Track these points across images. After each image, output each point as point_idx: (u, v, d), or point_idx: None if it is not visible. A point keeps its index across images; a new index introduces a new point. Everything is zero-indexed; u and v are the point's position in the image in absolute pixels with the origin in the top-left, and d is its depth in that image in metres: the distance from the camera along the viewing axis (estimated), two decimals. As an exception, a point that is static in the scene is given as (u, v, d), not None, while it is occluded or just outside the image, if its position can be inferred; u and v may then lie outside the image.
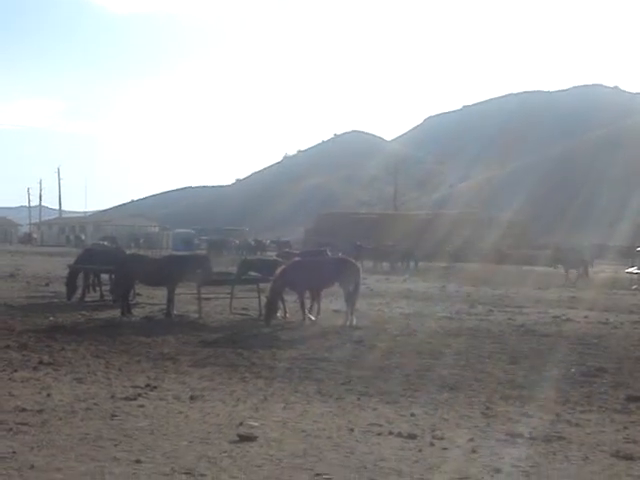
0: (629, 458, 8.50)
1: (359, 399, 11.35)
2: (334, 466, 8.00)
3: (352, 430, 9.52)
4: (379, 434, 9.37)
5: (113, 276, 24.67)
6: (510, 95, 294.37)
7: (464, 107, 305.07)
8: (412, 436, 9.23)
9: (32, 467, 7.81)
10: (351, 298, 19.98)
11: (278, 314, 20.41)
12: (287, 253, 32.38)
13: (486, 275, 44.38)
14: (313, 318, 20.27)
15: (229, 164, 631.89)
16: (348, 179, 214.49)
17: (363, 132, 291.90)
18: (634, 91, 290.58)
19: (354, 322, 19.52)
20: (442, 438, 9.22)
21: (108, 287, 25.76)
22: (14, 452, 8.29)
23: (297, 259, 23.02)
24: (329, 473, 7.73)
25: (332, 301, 23.64)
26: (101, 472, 7.69)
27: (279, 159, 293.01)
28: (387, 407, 10.90)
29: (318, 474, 7.70)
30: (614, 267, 55.35)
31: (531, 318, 22.65)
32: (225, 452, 8.44)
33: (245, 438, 8.94)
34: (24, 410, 10.22)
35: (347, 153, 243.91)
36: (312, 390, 11.91)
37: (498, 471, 7.94)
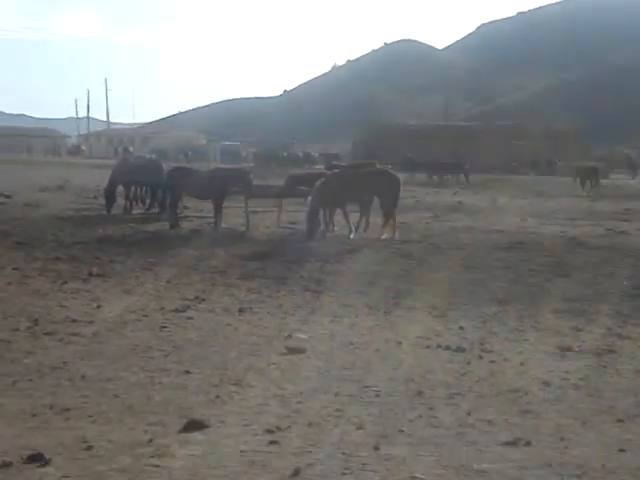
0: (681, 372, 8.39)
1: (407, 312, 11.32)
2: (382, 378, 7.99)
3: (400, 343, 9.50)
4: (427, 347, 9.35)
5: (153, 188, 24.68)
6: (565, 1, 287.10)
7: (519, 13, 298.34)
8: (460, 349, 9.19)
9: (83, 377, 7.90)
10: (390, 210, 19.65)
11: (325, 228, 20.26)
12: (335, 166, 32.10)
13: (539, 187, 43.82)
14: (360, 232, 20.13)
15: (277, 75, 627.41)
16: (398, 89, 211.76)
17: (414, 41, 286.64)
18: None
19: (396, 235, 19.32)
20: (491, 351, 9.17)
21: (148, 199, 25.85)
22: (65, 362, 8.40)
23: (334, 172, 22.70)
24: (377, 385, 7.73)
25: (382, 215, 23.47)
26: (151, 382, 7.77)
27: (327, 69, 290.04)
28: (435, 320, 10.86)
29: (366, 386, 7.70)
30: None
31: (584, 230, 22.33)
32: (273, 364, 8.47)
33: (293, 350, 8.96)
34: (74, 321, 10.34)
35: (398, 62, 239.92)
36: (360, 303, 11.89)
37: (547, 384, 7.88)
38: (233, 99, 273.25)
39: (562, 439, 6.31)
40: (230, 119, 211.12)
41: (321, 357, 8.80)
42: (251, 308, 11.36)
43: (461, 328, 10.34)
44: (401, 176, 22.12)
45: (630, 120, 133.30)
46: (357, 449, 6.01)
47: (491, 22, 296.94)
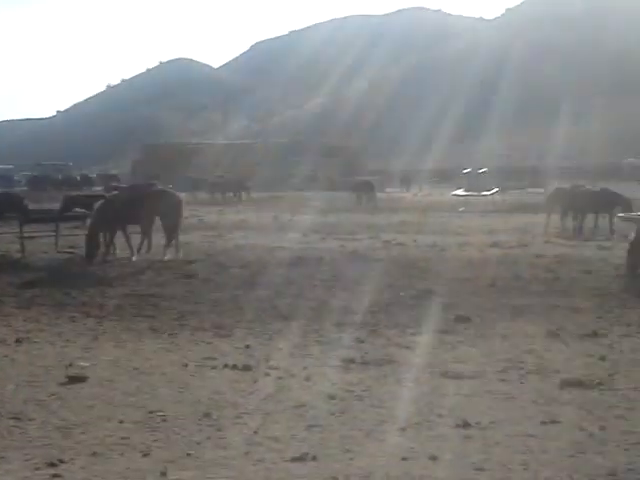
0: (458, 377, 8.74)
1: (192, 334, 11.22)
2: (168, 402, 7.87)
3: (186, 365, 9.39)
4: (213, 368, 9.29)
5: None
6: (335, 20, 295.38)
7: (291, 32, 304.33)
8: (247, 367, 9.19)
9: None
10: (172, 231, 19.50)
11: (105, 251, 19.84)
12: (115, 187, 31.57)
13: (318, 202, 44.77)
14: (142, 253, 19.84)
15: (48, 95, 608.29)
16: (177, 108, 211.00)
17: (189, 59, 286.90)
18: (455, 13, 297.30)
19: (180, 255, 19.20)
20: (277, 368, 9.22)
21: None
22: None
23: (113, 194, 22.32)
24: (163, 410, 7.60)
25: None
26: None
27: (102, 89, 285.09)
28: (221, 340, 10.82)
29: (152, 411, 7.56)
30: (441, 190, 56.88)
31: (363, 244, 23.00)
32: (54, 394, 8.16)
33: (75, 379, 8.66)
34: None
35: (174, 82, 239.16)
36: (144, 327, 11.68)
37: (332, 397, 8.00)
38: (2, 121, 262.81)
39: (347, 451, 6.42)
40: (1, 143, 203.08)
41: (104, 384, 8.56)
42: (29, 338, 10.91)
43: (247, 346, 10.34)
44: (182, 195, 22.03)
45: (403, 135, 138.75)
46: (144, 476, 5.89)
47: (264, 40, 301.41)
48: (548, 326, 11.37)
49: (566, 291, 14.62)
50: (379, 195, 50.01)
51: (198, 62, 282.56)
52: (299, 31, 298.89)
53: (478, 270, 17.31)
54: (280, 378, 8.80)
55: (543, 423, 7.06)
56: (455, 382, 8.58)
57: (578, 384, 8.30)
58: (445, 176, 73.72)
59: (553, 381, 8.49)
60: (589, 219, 27.29)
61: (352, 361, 9.49)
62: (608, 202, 26.35)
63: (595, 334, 10.82)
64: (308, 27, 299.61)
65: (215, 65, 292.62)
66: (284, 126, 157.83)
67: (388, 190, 65.11)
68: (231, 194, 55.18)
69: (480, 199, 41.10)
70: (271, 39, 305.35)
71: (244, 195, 53.99)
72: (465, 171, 48.79)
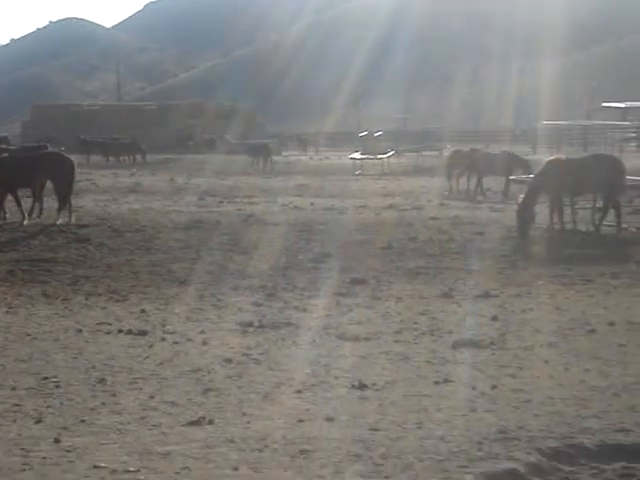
0: (354, 339, 8.83)
1: (87, 299, 11.05)
2: (62, 368, 7.75)
3: (80, 331, 9.25)
4: (108, 333, 9.17)
5: None
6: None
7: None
8: (142, 332, 9.10)
9: None
10: (64, 194, 19.04)
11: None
12: (4, 149, 30.66)
13: (216, 165, 44.45)
14: (34, 217, 19.39)
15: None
16: (69, 69, 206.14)
17: (81, 19, 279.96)
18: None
19: (72, 219, 18.81)
20: (173, 332, 9.16)
21: None
22: None
23: (2, 156, 21.67)
24: (56, 376, 7.48)
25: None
26: None
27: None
28: (116, 305, 10.69)
29: (45, 377, 7.43)
30: (339, 153, 57.06)
31: (260, 207, 22.96)
32: (-58, 364, 7.94)
33: (-36, 347, 8.46)
34: None
35: (65, 41, 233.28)
36: (36, 292, 11.45)
37: (229, 361, 7.99)
38: None
39: (244, 414, 6.43)
40: None
41: (-4, 352, 8.38)
42: None
43: (142, 311, 10.24)
44: (75, 158, 21.56)
45: (300, 98, 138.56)
46: (37, 443, 5.79)
47: (157, 1, 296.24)
48: (442, 288, 11.59)
49: (459, 253, 14.90)
50: (276, 158, 49.91)
51: (90, 22, 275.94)
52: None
53: (374, 233, 17.48)
54: (176, 343, 8.75)
55: (437, 383, 7.19)
56: (351, 344, 8.67)
57: (471, 344, 8.49)
58: (342, 139, 73.95)
59: (446, 341, 8.66)
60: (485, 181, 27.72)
61: (249, 325, 9.49)
62: (509, 165, 26.78)
63: (487, 295, 11.06)
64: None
65: (108, 25, 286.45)
66: (180, 87, 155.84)
67: (285, 153, 65.05)
68: (125, 157, 54.31)
69: (376, 162, 41.35)
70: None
71: (139, 158, 53.17)
72: (361, 134, 48.91)
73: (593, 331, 9.02)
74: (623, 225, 17.05)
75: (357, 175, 38.70)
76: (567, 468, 5.41)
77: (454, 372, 7.54)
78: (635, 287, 11.56)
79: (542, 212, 17.29)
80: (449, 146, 49.88)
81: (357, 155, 42.93)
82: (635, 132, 50.81)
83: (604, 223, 16.96)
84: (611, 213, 16.97)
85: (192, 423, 6.20)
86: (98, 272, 13.05)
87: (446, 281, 12.17)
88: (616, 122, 39.24)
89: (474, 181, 27.34)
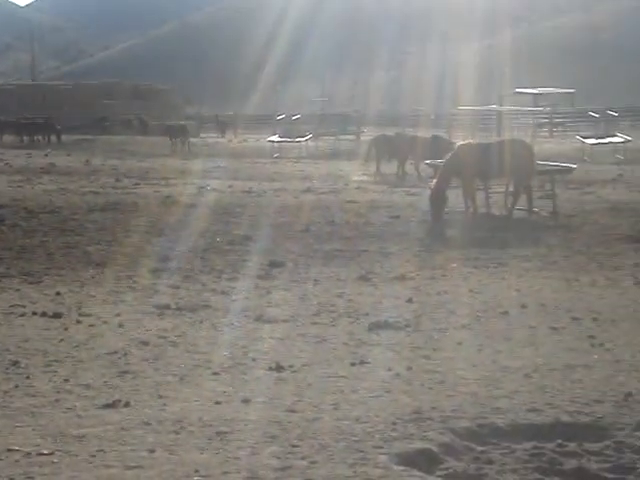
0: (272, 321, 8.87)
1: (0, 281, 10.86)
2: (-27, 355, 7.62)
3: (-7, 313, 9.10)
4: (22, 315, 9.03)
5: None
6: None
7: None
8: (57, 315, 8.98)
9: None
10: None
11: None
12: None
13: (133, 147, 43.96)
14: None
15: None
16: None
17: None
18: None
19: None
20: (89, 315, 9.07)
21: None
22: None
23: None
24: (-32, 360, 7.35)
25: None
26: None
27: None
28: (30, 287, 10.54)
29: (-46, 365, 7.30)
30: (258, 136, 56.85)
31: (177, 189, 22.79)
32: None
33: None
34: None
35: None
36: (-53, 274, 11.22)
37: (146, 343, 7.95)
38: None
39: (160, 397, 6.41)
40: None
41: None
42: None
43: (57, 294, 10.11)
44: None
45: (220, 79, 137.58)
46: (-52, 429, 5.70)
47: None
48: (359, 270, 11.68)
49: (376, 236, 15.03)
50: (194, 140, 49.51)
51: (3, 0, 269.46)
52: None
53: (292, 216, 17.51)
54: (92, 325, 8.67)
55: (353, 364, 7.27)
56: (269, 326, 8.71)
57: (386, 326, 8.59)
58: (260, 122, 73.61)
59: (363, 323, 8.75)
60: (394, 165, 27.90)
61: (167, 307, 9.45)
62: (439, 148, 26.84)
63: (403, 277, 11.20)
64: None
65: (21, 3, 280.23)
66: (95, 68, 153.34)
67: (203, 135, 64.57)
68: (40, 137, 53.26)
69: (294, 145, 41.31)
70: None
71: (54, 138, 52.18)
72: (279, 117, 48.73)
73: (505, 313, 9.20)
74: (534, 209, 17.37)
75: (275, 158, 38.63)
76: (479, 448, 5.52)
77: (370, 354, 7.64)
78: (546, 270, 11.81)
79: (458, 196, 17.54)
80: (366, 130, 50.06)
81: (275, 138, 42.80)
82: (547, 118, 51.75)
83: (516, 207, 17.25)
84: (523, 197, 17.27)
85: (107, 406, 6.17)
86: (12, 254, 12.82)
87: (363, 264, 12.27)
88: (528, 108, 39.80)
89: (400, 164, 27.53)
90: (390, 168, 28.07)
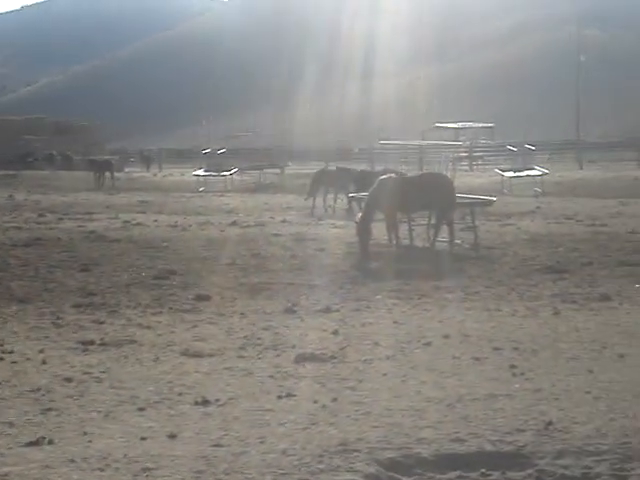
0: (198, 355, 8.85)
1: None
2: None
3: None
4: (-58, 354, 8.87)
5: None
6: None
7: (23, 7, 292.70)
8: (-19, 354, 8.85)
9: None
10: None
11: None
12: None
13: (56, 182, 43.45)
14: None
15: None
16: None
17: None
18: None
19: None
20: (12, 352, 8.94)
21: None
22: None
23: None
24: None
25: None
26: None
27: None
28: (-49, 325, 10.34)
29: None
30: (183, 170, 56.66)
31: (102, 224, 22.60)
32: None
33: None
34: None
35: None
36: None
37: (69, 380, 7.86)
38: None
39: (85, 433, 6.35)
40: None
41: None
42: None
43: (-21, 331, 9.95)
44: None
45: (143, 115, 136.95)
46: None
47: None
48: (285, 303, 11.71)
49: (302, 268, 15.10)
50: (118, 175, 49.15)
51: None
52: (31, 6, 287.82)
53: (218, 249, 17.49)
54: (14, 362, 8.54)
55: (279, 397, 7.30)
56: (195, 360, 8.69)
57: (312, 358, 8.64)
58: (185, 156, 73.38)
59: (289, 356, 8.78)
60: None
61: (91, 343, 9.36)
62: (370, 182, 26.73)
63: (328, 309, 11.26)
64: (43, 2, 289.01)
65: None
66: (18, 103, 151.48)
67: (127, 170, 64.13)
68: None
69: (220, 179, 41.30)
70: (2, 14, 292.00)
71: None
72: (205, 151, 48.68)
73: (429, 344, 9.31)
74: (456, 241, 17.64)
75: (200, 192, 38.57)
76: (404, 478, 5.59)
77: (296, 386, 7.67)
78: (468, 301, 11.99)
79: (382, 229, 17.72)
80: (290, 164, 50.31)
81: (200, 172, 42.75)
82: (466, 152, 52.64)
83: (438, 239, 17.49)
84: (444, 229, 17.51)
85: (31, 443, 6.09)
86: None
87: (289, 296, 12.30)
88: (449, 142, 40.44)
89: (328, 197, 27.60)
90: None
